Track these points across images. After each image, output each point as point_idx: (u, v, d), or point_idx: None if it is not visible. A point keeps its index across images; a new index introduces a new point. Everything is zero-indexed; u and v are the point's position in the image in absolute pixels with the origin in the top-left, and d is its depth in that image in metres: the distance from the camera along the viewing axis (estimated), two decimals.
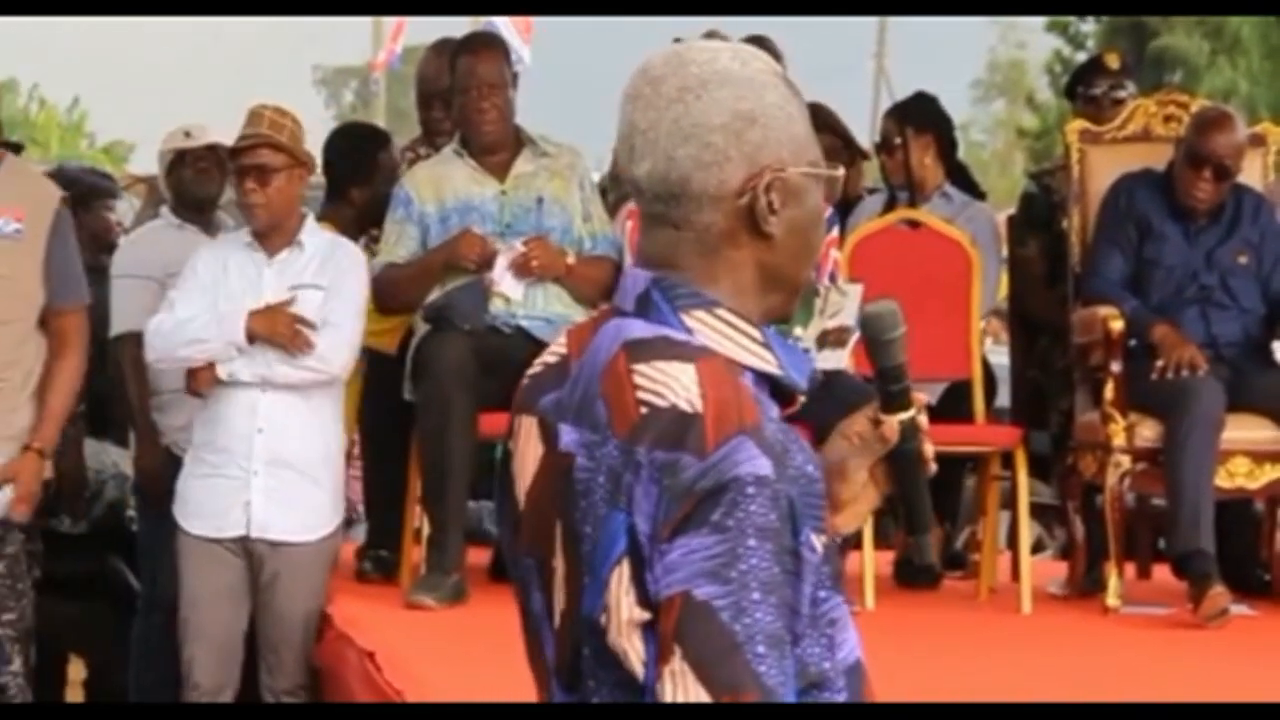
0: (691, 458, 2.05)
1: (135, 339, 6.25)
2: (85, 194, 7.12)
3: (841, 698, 2.19)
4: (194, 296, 5.76)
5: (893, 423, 2.32)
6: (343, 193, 6.64)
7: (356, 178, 6.62)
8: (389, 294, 6.11)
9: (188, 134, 6.59)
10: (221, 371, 5.73)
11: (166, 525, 6.08)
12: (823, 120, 7.36)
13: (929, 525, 2.39)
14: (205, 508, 5.74)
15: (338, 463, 5.86)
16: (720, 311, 2.16)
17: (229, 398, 5.72)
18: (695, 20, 7.84)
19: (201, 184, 6.57)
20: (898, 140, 7.02)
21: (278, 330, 5.70)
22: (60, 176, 7.42)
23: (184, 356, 5.75)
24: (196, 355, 5.73)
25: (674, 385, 2.08)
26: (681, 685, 2.02)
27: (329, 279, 5.78)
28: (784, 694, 2.05)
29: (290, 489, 5.70)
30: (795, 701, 2.08)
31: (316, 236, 5.88)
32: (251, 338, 5.69)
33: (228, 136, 6.53)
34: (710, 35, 7.67)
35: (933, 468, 2.33)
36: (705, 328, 2.16)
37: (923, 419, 2.33)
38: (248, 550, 5.71)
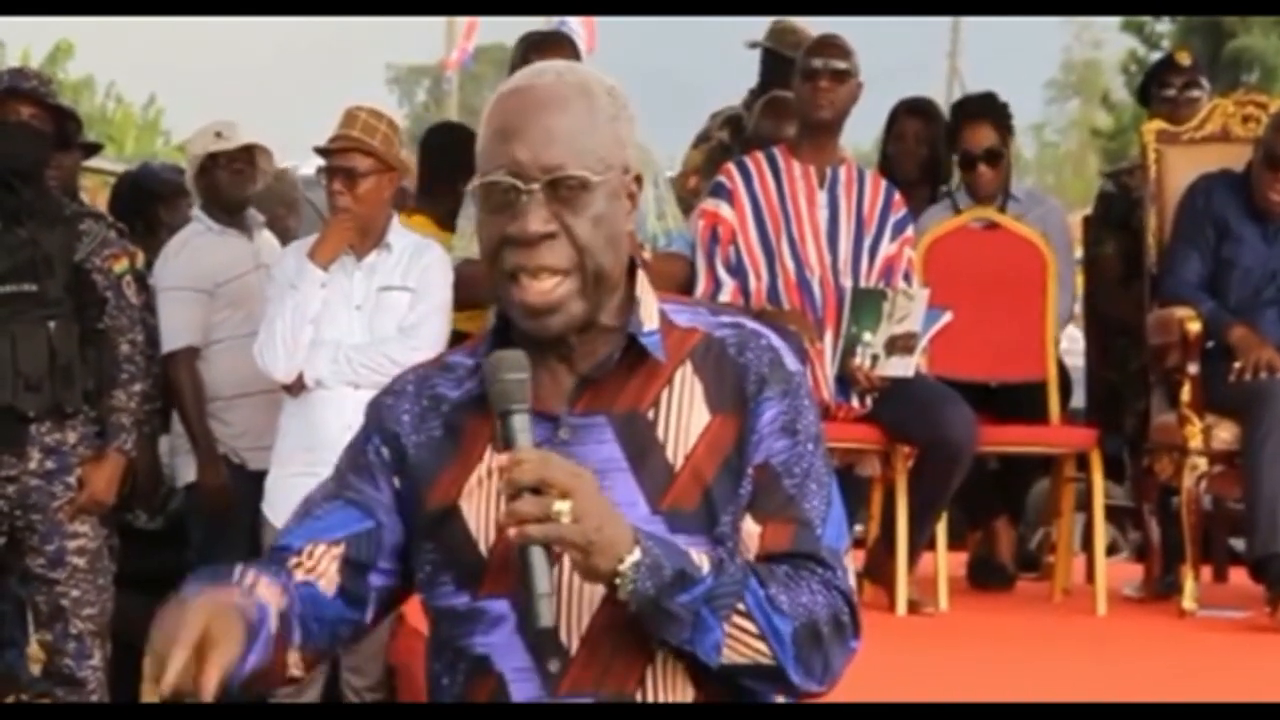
0: None
1: (188, 354, 6.30)
2: (167, 192, 7.17)
3: (460, 678, 2.42)
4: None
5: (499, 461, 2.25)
6: (438, 187, 6.66)
7: (456, 173, 6.63)
8: (465, 289, 6.11)
9: (219, 134, 6.51)
10: (308, 379, 5.77)
11: (227, 533, 6.15)
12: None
13: (534, 590, 2.20)
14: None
15: None
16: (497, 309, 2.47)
17: (320, 398, 5.75)
18: (766, 20, 7.77)
19: (237, 186, 6.50)
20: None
21: None
22: (143, 175, 7.47)
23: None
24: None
25: None
26: None
27: (415, 281, 5.82)
28: (282, 535, 2.44)
29: None
30: (299, 542, 2.41)
31: (404, 238, 5.91)
32: None
33: (260, 136, 6.56)
34: (779, 24, 7.66)
35: (510, 533, 2.20)
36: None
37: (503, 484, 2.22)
38: None
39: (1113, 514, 7.67)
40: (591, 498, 2.23)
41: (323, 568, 2.40)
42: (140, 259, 6.26)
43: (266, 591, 2.32)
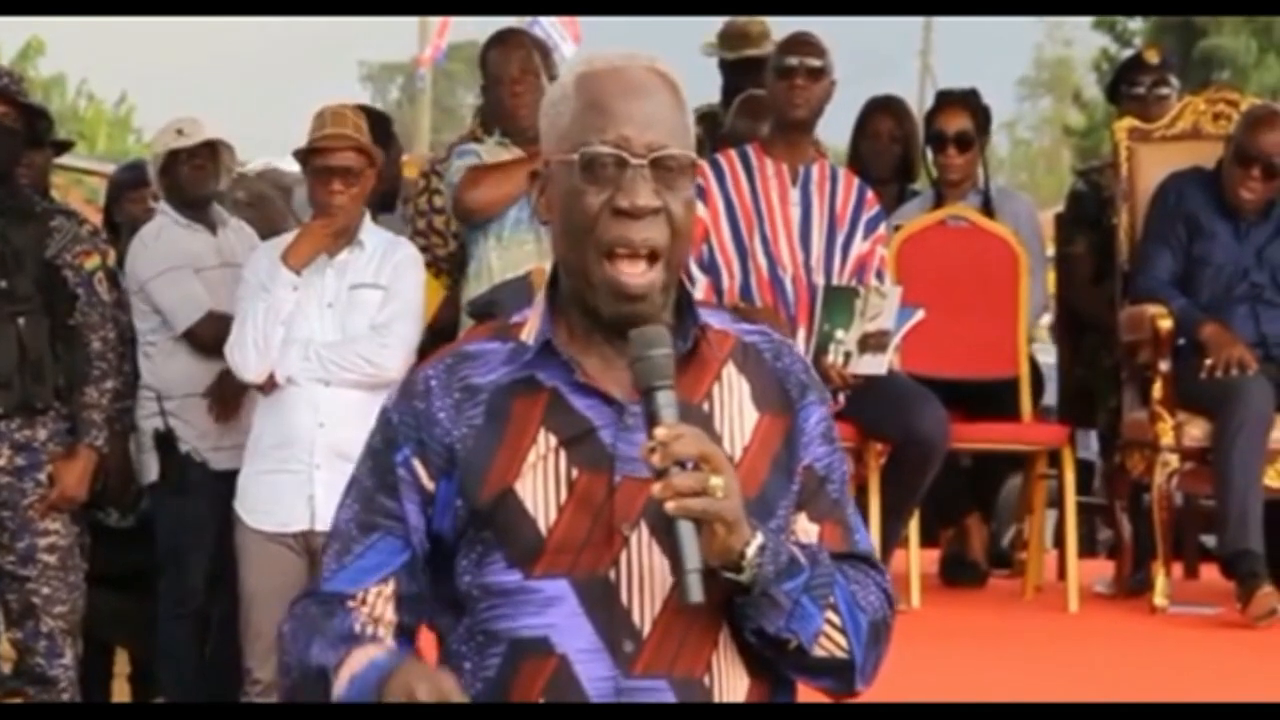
0: None
1: (209, 321, 6.21)
2: (113, 191, 7.17)
3: (493, 661, 2.35)
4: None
5: (645, 445, 2.26)
6: None
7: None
8: (468, 187, 6.02)
9: (180, 131, 6.45)
10: (279, 376, 5.76)
11: (194, 533, 6.12)
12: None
13: (685, 565, 2.21)
14: (268, 503, 5.77)
15: None
16: (545, 293, 2.41)
17: (292, 395, 5.75)
18: (741, 20, 7.77)
19: (199, 183, 6.41)
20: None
21: None
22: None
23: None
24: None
25: None
26: None
27: (388, 279, 5.81)
28: (328, 578, 2.42)
29: None
30: (349, 587, 2.40)
31: (375, 235, 5.91)
32: None
33: (223, 133, 6.52)
34: (729, 26, 7.64)
35: (669, 506, 2.22)
36: (537, 304, 2.43)
37: (655, 457, 2.23)
38: (309, 546, 5.72)
39: (1079, 510, 7.67)
40: (735, 477, 2.26)
41: (379, 611, 2.41)
42: (112, 256, 6.25)
43: (389, 637, 2.41)
